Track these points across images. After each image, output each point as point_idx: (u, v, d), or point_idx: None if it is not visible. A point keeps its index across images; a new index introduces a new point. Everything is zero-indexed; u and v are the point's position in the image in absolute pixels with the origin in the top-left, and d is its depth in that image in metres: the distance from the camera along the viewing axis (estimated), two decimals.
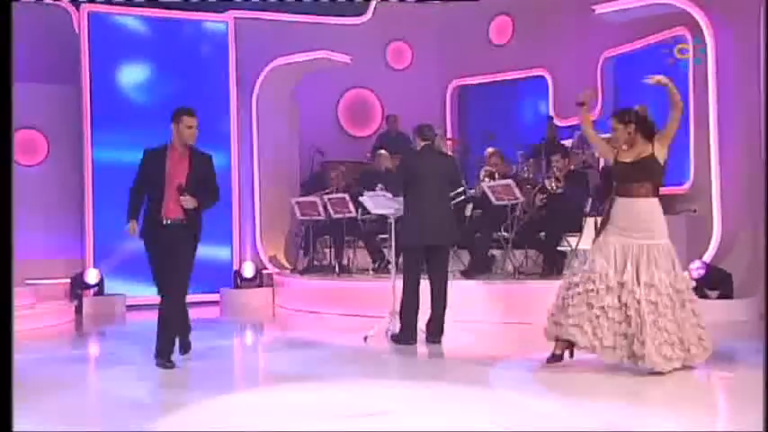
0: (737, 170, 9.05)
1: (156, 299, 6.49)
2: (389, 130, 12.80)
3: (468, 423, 4.80)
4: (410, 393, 5.64)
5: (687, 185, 9.76)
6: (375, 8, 13.40)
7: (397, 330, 7.48)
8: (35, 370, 6.41)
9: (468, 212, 10.02)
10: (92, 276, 10.88)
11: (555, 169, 9.47)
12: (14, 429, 3.99)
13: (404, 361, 7.06)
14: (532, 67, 12.70)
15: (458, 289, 8.11)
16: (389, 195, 7.80)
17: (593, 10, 10.02)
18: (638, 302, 5.77)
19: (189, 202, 6.31)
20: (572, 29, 11.92)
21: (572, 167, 9.67)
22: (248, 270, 11.61)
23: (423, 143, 7.59)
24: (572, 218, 9.21)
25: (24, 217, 9.42)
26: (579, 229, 9.14)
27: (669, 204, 8.11)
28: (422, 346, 7.34)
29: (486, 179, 9.86)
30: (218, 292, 11.49)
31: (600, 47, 11.59)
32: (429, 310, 7.46)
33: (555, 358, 6.14)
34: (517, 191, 9.15)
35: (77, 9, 11.59)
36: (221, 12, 12.19)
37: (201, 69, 11.92)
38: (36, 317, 9.36)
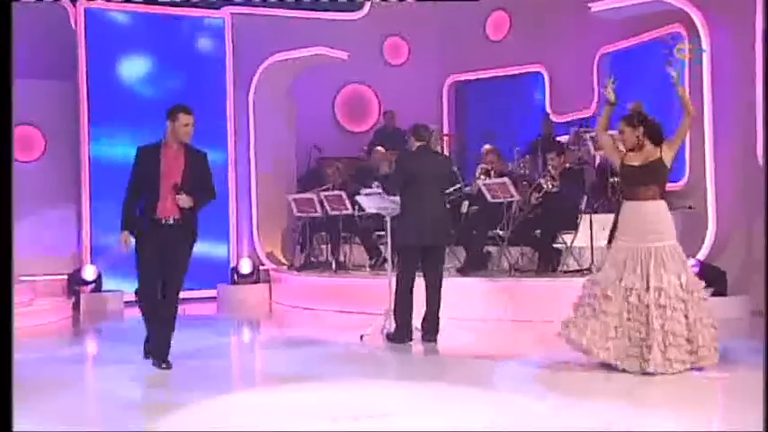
0: (732, 168, 9.07)
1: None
2: (386, 125, 12.80)
3: (468, 423, 4.82)
4: (410, 393, 5.65)
5: (682, 182, 9.78)
6: (371, 4, 13.39)
7: (393, 329, 7.50)
8: (34, 369, 6.40)
9: (464, 209, 10.04)
10: (89, 273, 10.85)
11: (550, 167, 9.51)
12: (14, 429, 4.00)
13: (403, 360, 7.09)
14: (529, 62, 12.73)
15: (453, 286, 8.13)
16: (385, 195, 7.80)
17: (590, 8, 10.03)
18: (647, 307, 5.80)
19: (185, 200, 6.24)
20: (568, 25, 11.93)
21: (567, 165, 9.68)
22: (245, 266, 11.62)
23: (418, 143, 7.58)
24: (567, 216, 9.24)
25: (21, 213, 9.37)
26: (575, 227, 9.19)
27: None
28: (418, 345, 7.36)
29: (483, 176, 9.89)
30: (215, 289, 11.51)
31: (596, 43, 11.60)
32: (424, 309, 7.48)
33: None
34: (513, 189, 9.17)
35: (74, 5, 11.55)
36: (218, 8, 12.17)
37: (198, 65, 11.92)
38: (33, 314, 9.33)
